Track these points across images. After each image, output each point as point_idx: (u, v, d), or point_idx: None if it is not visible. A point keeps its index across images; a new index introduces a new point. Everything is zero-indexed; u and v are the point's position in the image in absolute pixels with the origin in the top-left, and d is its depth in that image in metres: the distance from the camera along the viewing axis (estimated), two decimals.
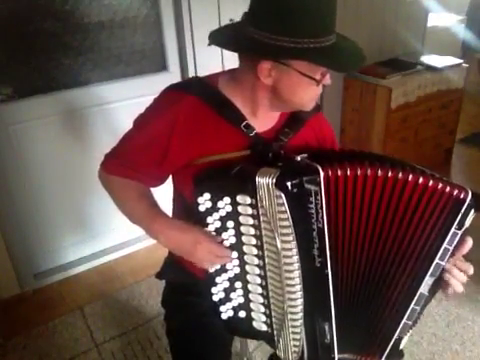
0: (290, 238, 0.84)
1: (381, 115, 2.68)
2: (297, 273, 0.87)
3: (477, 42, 4.09)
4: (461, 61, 2.95)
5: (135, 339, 1.88)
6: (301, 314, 0.91)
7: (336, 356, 0.96)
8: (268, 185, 0.81)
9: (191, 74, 2.20)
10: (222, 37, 0.94)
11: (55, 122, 2.02)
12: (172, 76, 2.20)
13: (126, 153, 1.02)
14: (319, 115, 1.11)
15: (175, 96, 0.98)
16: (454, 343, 1.81)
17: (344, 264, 0.90)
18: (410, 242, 0.87)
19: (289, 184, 0.80)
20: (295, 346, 0.96)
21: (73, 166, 2.11)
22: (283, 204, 0.81)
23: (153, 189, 1.06)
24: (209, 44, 0.93)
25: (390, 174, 0.84)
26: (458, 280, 0.90)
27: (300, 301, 0.90)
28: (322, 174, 0.82)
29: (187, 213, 0.96)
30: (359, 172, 0.84)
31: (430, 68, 2.82)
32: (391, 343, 0.95)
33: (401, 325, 0.93)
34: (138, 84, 2.13)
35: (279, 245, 0.85)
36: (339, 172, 0.83)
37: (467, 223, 0.85)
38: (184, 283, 1.11)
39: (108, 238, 2.35)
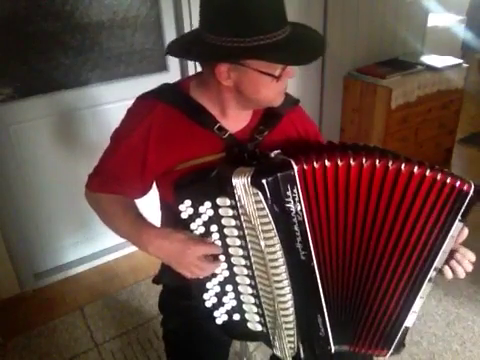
0: (272, 234, 0.84)
1: (381, 115, 2.68)
2: (283, 268, 0.87)
3: (477, 42, 4.08)
4: (461, 61, 2.94)
5: (135, 339, 1.88)
6: (292, 309, 0.91)
7: (332, 348, 0.96)
8: (244, 185, 0.82)
9: (191, 74, 2.19)
10: (178, 46, 0.95)
11: (55, 122, 2.02)
12: (172, 76, 2.20)
13: (107, 169, 1.03)
14: (297, 109, 1.10)
15: (146, 105, 0.99)
16: (454, 343, 1.81)
17: (332, 256, 0.90)
18: (411, 233, 0.87)
19: (264, 181, 0.80)
20: (290, 342, 0.96)
21: (73, 166, 2.11)
22: (261, 201, 0.81)
23: (140, 200, 1.06)
24: (165, 54, 0.94)
25: (378, 164, 0.83)
26: (464, 268, 0.91)
27: (289, 296, 0.90)
28: (296, 168, 0.82)
29: (174, 220, 0.96)
30: (340, 163, 0.83)
31: (430, 68, 2.81)
32: (399, 334, 0.96)
33: (409, 316, 0.94)
34: (138, 84, 2.12)
35: (262, 242, 0.86)
36: (316, 164, 0.83)
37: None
38: (180, 286, 1.10)
39: (108, 238, 2.34)
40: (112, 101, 2.12)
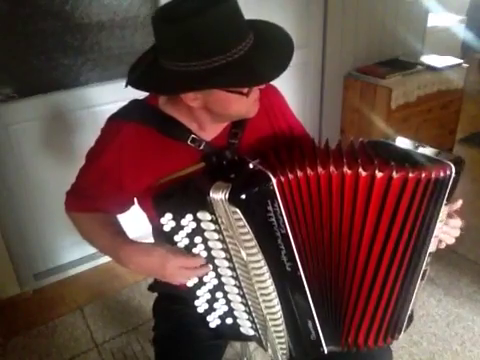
0: (255, 250, 0.82)
1: (381, 115, 2.68)
2: (269, 282, 0.86)
3: (477, 42, 4.08)
4: (461, 61, 2.94)
5: (135, 339, 1.88)
6: (281, 319, 0.91)
7: (325, 349, 0.96)
8: (222, 201, 0.79)
9: None
10: (138, 77, 0.93)
11: (55, 122, 2.02)
12: None
13: (83, 189, 1.05)
14: (264, 91, 1.04)
15: (116, 126, 0.99)
16: (454, 343, 1.81)
17: (319, 264, 0.89)
18: (402, 229, 0.84)
19: (243, 197, 0.77)
20: (282, 349, 0.96)
21: (73, 166, 2.10)
22: (241, 219, 0.79)
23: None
24: (126, 86, 0.92)
25: (349, 172, 0.80)
26: (451, 236, 0.93)
27: (278, 307, 0.89)
28: (274, 181, 0.78)
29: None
30: (310, 173, 0.81)
31: (430, 68, 2.82)
32: (406, 317, 0.97)
33: (413, 299, 0.95)
34: None
35: (245, 257, 0.84)
36: (290, 175, 0.80)
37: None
38: (174, 293, 1.09)
39: None
40: (112, 101, 2.10)
